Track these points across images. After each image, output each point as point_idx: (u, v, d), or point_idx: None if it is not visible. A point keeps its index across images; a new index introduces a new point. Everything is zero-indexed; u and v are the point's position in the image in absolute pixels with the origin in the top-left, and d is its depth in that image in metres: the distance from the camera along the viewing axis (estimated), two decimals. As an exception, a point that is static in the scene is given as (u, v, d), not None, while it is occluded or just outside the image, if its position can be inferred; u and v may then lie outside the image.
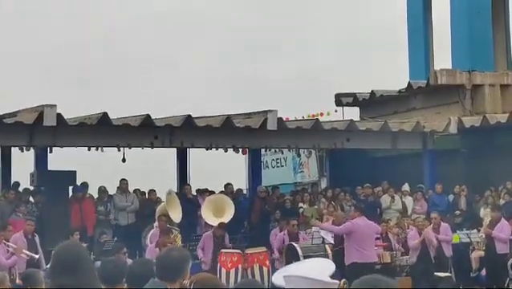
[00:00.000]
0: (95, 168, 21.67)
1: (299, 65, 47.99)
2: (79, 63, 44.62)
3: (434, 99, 23.76)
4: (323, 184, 25.39)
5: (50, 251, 11.45)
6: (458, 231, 18.15)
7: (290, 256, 16.03)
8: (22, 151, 18.41)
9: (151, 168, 25.36)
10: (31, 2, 49.43)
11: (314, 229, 17.25)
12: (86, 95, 40.73)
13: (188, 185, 20.54)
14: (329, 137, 20.92)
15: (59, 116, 16.87)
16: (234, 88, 45.63)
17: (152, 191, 20.16)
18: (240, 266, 16.26)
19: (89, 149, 18.43)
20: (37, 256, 14.58)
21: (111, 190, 19.74)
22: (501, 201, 20.09)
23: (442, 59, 26.45)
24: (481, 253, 17.82)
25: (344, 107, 26.19)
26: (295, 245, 16.42)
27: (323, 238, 16.59)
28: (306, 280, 5.49)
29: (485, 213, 19.45)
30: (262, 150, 22.69)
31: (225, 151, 20.06)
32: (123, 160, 18.60)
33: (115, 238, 17.90)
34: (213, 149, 19.86)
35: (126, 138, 18.33)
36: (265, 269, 16.41)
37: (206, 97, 41.17)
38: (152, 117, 18.03)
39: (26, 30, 47.34)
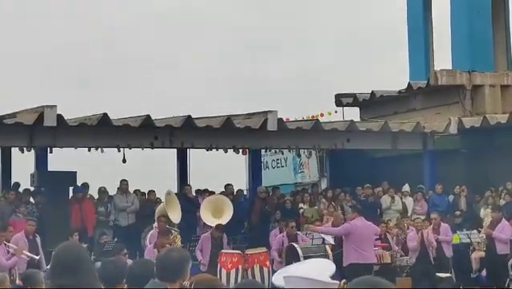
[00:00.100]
0: (96, 168, 21.67)
1: (299, 65, 48.04)
2: (79, 63, 44.68)
3: (434, 100, 23.76)
4: (324, 184, 25.39)
5: (51, 252, 11.45)
6: (458, 232, 18.15)
7: (291, 257, 16.02)
8: (23, 152, 18.41)
9: (151, 169, 25.36)
10: (31, 2, 49.48)
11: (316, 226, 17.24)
12: (86, 95, 40.78)
13: (189, 185, 20.54)
14: (329, 138, 20.93)
15: (59, 116, 16.88)
16: (234, 88, 45.67)
17: (151, 192, 20.16)
18: (240, 266, 16.25)
19: (89, 150, 18.44)
20: (37, 257, 14.57)
21: (112, 191, 19.74)
22: (502, 202, 20.09)
23: (442, 59, 26.48)
24: (482, 253, 17.81)
25: (344, 108, 26.21)
26: (295, 245, 16.41)
27: (323, 239, 16.58)
28: (306, 281, 5.49)
29: (486, 214, 19.45)
30: (263, 150, 22.69)
31: (225, 151, 20.06)
32: (124, 160, 18.61)
33: (116, 239, 17.90)
34: (214, 150, 19.86)
35: (126, 139, 18.33)
36: (265, 269, 16.41)
37: (206, 97, 41.21)
38: (153, 118, 18.03)
39: (26, 30, 47.38)
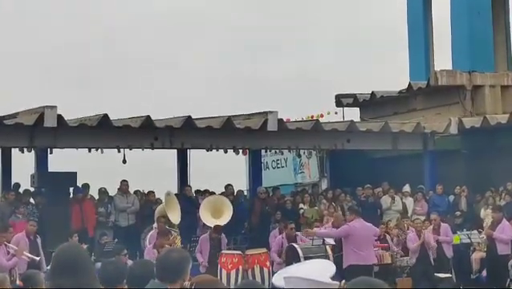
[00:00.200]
0: (96, 169, 21.67)
1: (299, 65, 48.06)
2: (79, 63, 44.70)
3: (434, 100, 23.77)
4: (324, 185, 25.39)
5: (51, 253, 11.45)
6: (459, 232, 18.15)
7: (291, 257, 16.02)
8: (23, 152, 18.41)
9: (151, 170, 25.37)
10: (31, 2, 49.50)
11: (314, 230, 17.25)
12: (86, 95, 40.82)
13: (189, 186, 20.54)
14: (329, 138, 20.93)
15: (60, 117, 16.89)
16: (234, 88, 45.68)
17: (150, 192, 20.15)
18: (240, 267, 16.24)
19: (89, 151, 18.44)
20: (37, 258, 14.56)
21: (112, 191, 19.74)
22: (502, 202, 20.08)
23: (442, 59, 26.49)
24: (482, 254, 17.81)
25: (344, 108, 26.22)
26: (296, 246, 16.41)
27: (324, 239, 16.57)
28: (306, 281, 5.49)
29: (486, 214, 19.45)
30: (263, 151, 22.69)
31: (226, 152, 20.06)
32: (124, 161, 18.61)
33: (116, 240, 17.91)
34: (214, 150, 19.86)
35: (126, 139, 18.34)
36: (265, 270, 16.40)
37: (206, 97, 41.22)
38: (153, 118, 18.04)
39: (26, 30, 47.41)
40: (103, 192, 19.66)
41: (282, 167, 28.34)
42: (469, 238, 17.83)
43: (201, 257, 16.65)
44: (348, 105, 26.17)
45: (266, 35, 47.06)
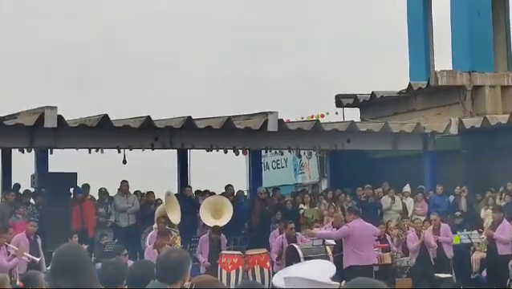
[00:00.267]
0: (96, 169, 21.68)
1: (299, 65, 48.09)
2: (79, 63, 44.72)
3: (434, 100, 23.77)
4: (324, 185, 25.39)
5: (51, 253, 11.46)
6: (459, 232, 18.16)
7: (291, 257, 16.02)
8: (23, 152, 18.42)
9: (151, 170, 25.38)
10: (31, 2, 49.52)
11: (314, 230, 17.26)
12: (86, 95, 40.83)
13: (189, 186, 20.55)
14: (329, 138, 20.93)
15: (60, 117, 16.89)
16: (234, 88, 45.70)
17: (150, 192, 20.14)
18: (241, 267, 16.24)
19: (90, 151, 18.44)
20: (38, 259, 14.55)
21: (112, 192, 19.74)
22: (502, 202, 20.08)
23: (442, 59, 26.50)
24: (482, 254, 17.81)
25: (345, 109, 26.21)
26: (296, 246, 16.42)
27: (324, 240, 16.57)
28: (306, 281, 5.49)
29: (486, 214, 19.46)
30: (263, 151, 22.69)
31: (226, 152, 20.06)
32: (124, 161, 18.61)
33: (116, 240, 17.92)
34: (214, 151, 19.86)
35: (126, 140, 18.34)
36: (265, 270, 16.40)
37: (206, 97, 41.24)
38: (153, 119, 18.04)
39: (26, 30, 47.43)
40: (103, 192, 19.67)
41: (283, 167, 28.35)
42: (470, 238, 17.84)
43: (202, 257, 16.67)
44: (348, 105, 26.17)
45: (266, 35, 47.13)
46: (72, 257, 4.87)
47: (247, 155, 21.74)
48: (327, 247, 16.39)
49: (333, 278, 5.62)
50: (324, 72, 43.90)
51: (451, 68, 24.26)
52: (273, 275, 14.66)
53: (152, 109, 29.75)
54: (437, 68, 24.71)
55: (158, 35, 48.48)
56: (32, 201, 18.46)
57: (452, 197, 21.45)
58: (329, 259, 15.05)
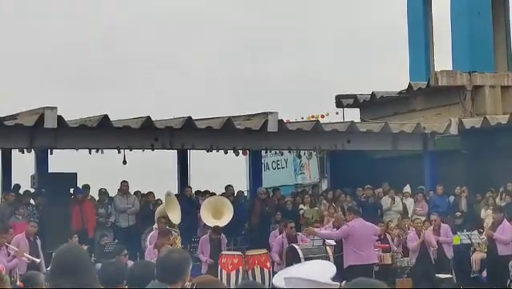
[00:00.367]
0: (96, 170, 21.68)
1: (299, 65, 48.11)
2: (79, 63, 44.73)
3: (435, 101, 23.77)
4: (324, 185, 25.40)
5: (51, 254, 11.46)
6: (459, 232, 18.15)
7: (291, 258, 16.02)
8: (23, 153, 18.41)
9: (151, 170, 25.38)
10: (31, 2, 49.55)
11: (315, 230, 17.26)
12: (86, 95, 40.83)
13: (189, 186, 20.54)
14: (330, 139, 20.92)
15: (60, 118, 16.89)
16: (234, 88, 45.73)
17: (150, 193, 20.14)
18: (241, 268, 16.25)
19: (90, 151, 18.43)
20: (38, 260, 14.53)
21: (112, 192, 19.74)
22: (502, 203, 20.08)
23: (442, 59, 26.51)
24: (482, 254, 17.81)
25: (345, 109, 26.21)
26: (296, 247, 16.42)
27: (324, 240, 16.57)
28: (306, 282, 5.48)
29: (486, 215, 19.45)
30: (263, 152, 22.69)
31: (226, 153, 20.06)
32: (124, 162, 18.60)
33: (116, 240, 17.91)
34: (214, 151, 19.85)
35: (127, 140, 18.34)
36: (266, 271, 16.41)
37: (206, 97, 41.27)
38: (153, 119, 18.04)
39: (26, 30, 47.46)
40: (103, 193, 19.67)
41: (283, 168, 28.35)
42: (470, 238, 17.84)
43: (203, 256, 16.68)
44: (348, 106, 26.16)
45: (266, 35, 47.16)
46: (72, 257, 4.87)
47: (247, 155, 21.74)
48: (328, 247, 16.39)
49: (333, 279, 5.62)
50: (324, 72, 43.98)
51: (451, 68, 24.27)
52: (273, 276, 14.67)
53: (152, 109, 29.79)
54: (437, 68, 24.72)
55: (158, 35, 48.56)
56: (32, 201, 18.45)
57: (452, 198, 21.45)
58: (329, 260, 15.05)
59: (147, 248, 15.71)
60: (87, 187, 19.32)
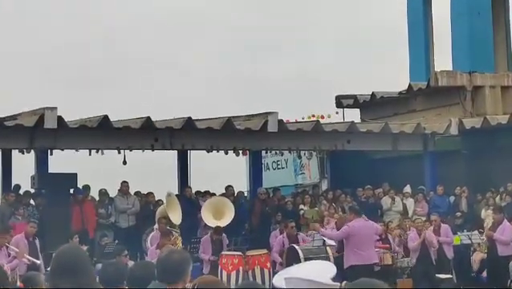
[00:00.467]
0: (96, 170, 21.68)
1: (299, 65, 48.13)
2: (79, 63, 44.74)
3: (435, 101, 23.77)
4: (324, 186, 25.39)
5: (51, 254, 11.45)
6: (459, 233, 18.14)
7: (292, 258, 16.02)
8: (23, 153, 18.41)
9: (152, 171, 25.38)
10: (31, 2, 49.55)
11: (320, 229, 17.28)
12: (86, 95, 40.85)
13: (189, 187, 20.54)
14: (330, 139, 20.92)
15: (60, 118, 16.89)
16: (234, 88, 45.74)
17: (150, 193, 20.13)
18: (241, 268, 16.25)
19: (90, 152, 18.42)
20: (38, 262, 14.51)
21: (112, 193, 19.74)
22: (502, 203, 20.07)
23: (442, 60, 26.51)
24: (483, 255, 17.81)
25: (345, 109, 26.21)
26: (296, 247, 16.42)
27: (324, 240, 16.57)
28: (306, 282, 5.49)
29: (487, 215, 19.45)
30: (263, 152, 22.68)
31: (226, 153, 20.05)
32: (124, 162, 18.59)
33: (116, 241, 17.91)
34: (214, 151, 19.85)
35: (127, 141, 18.34)
36: (266, 271, 16.40)
37: (206, 97, 41.28)
38: (153, 119, 18.03)
39: (26, 30, 47.46)
40: (103, 193, 19.66)
41: (283, 168, 28.35)
42: (470, 238, 17.83)
43: (205, 255, 16.68)
44: (348, 106, 26.16)
45: (266, 35, 47.16)
46: (72, 258, 4.88)
47: (247, 156, 21.74)
48: (328, 248, 16.39)
49: (334, 279, 5.63)
50: (324, 72, 43.99)
51: (451, 68, 24.27)
52: (273, 276, 14.67)
53: (152, 109, 29.79)
54: (437, 68, 24.72)
55: (158, 35, 48.57)
56: (32, 202, 18.45)
57: (452, 198, 21.45)
58: (329, 260, 15.04)
59: (149, 249, 15.71)
60: (87, 187, 19.31)
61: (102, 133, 17.96)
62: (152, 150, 19.03)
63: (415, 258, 16.67)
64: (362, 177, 22.09)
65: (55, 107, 16.87)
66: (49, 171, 18.23)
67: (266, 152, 25.04)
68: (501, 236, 16.49)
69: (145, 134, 18.41)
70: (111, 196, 19.66)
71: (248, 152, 21.11)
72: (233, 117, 19.28)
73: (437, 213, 18.56)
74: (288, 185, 26.77)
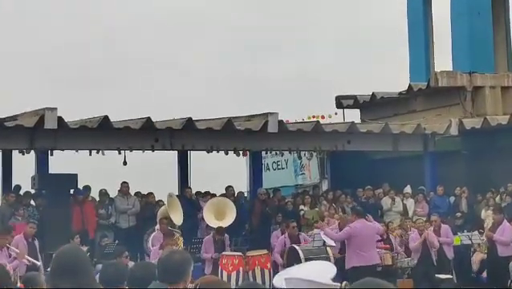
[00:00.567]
0: (96, 171, 21.68)
1: (299, 65, 48.13)
2: (79, 63, 44.75)
3: (435, 101, 23.77)
4: (324, 186, 25.39)
5: (51, 255, 11.45)
6: (459, 233, 18.15)
7: (292, 259, 16.02)
8: (23, 154, 18.41)
9: (152, 171, 25.39)
10: (31, 2, 49.56)
11: (315, 231, 17.27)
12: (86, 95, 40.85)
13: (189, 187, 20.54)
14: (330, 139, 20.92)
15: (60, 119, 16.89)
16: (234, 88, 45.75)
17: (150, 194, 20.14)
18: (241, 268, 16.25)
19: (90, 152, 18.43)
20: (39, 263, 14.50)
21: (113, 193, 19.74)
22: (503, 204, 20.07)
23: (442, 60, 26.51)
24: (483, 255, 17.81)
25: (345, 110, 26.21)
26: (296, 247, 16.41)
27: (324, 241, 16.57)
28: (307, 282, 5.49)
29: (487, 215, 19.45)
30: (263, 152, 22.69)
31: (226, 153, 20.05)
32: (125, 163, 18.60)
33: (117, 241, 17.91)
34: (214, 152, 19.85)
35: (127, 141, 18.34)
36: (266, 271, 16.41)
37: (206, 97, 41.29)
38: (153, 120, 18.04)
39: (26, 30, 47.47)
40: (103, 193, 19.67)
41: (283, 168, 28.34)
42: (470, 239, 17.83)
43: (207, 254, 16.67)
44: (349, 106, 26.17)
45: (266, 35, 47.17)
46: (72, 258, 4.89)
47: (247, 156, 21.74)
48: (328, 248, 16.39)
49: (334, 279, 5.63)
50: (324, 72, 43.99)
51: (451, 68, 24.27)
52: (273, 276, 14.66)
53: (152, 109, 29.78)
54: (437, 69, 24.72)
55: (158, 35, 48.57)
56: (32, 202, 18.46)
57: (452, 198, 21.46)
58: (330, 260, 15.04)
59: (152, 250, 15.69)
60: (87, 188, 19.32)
61: (102, 134, 17.96)
62: (153, 150, 19.04)
63: (416, 259, 16.66)
64: (362, 178, 22.10)
65: (55, 108, 16.87)
66: (49, 171, 18.23)
67: (266, 153, 25.03)
68: (501, 237, 16.49)
69: (145, 134, 18.41)
70: (111, 196, 19.67)
71: (248, 152, 21.11)
72: (234, 118, 19.28)
73: (437, 213, 18.56)
74: (288, 185, 26.77)
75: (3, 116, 17.24)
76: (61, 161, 18.53)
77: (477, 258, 18.10)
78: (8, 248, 14.48)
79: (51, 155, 18.10)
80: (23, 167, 19.53)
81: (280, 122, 19.27)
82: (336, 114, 26.33)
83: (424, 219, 18.99)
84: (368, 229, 15.01)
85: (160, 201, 19.41)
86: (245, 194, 22.16)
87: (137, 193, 20.09)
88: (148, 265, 6.52)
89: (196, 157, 21.16)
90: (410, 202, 21.38)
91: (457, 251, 17.63)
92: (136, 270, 6.21)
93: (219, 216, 17.52)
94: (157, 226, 16.39)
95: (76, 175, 18.41)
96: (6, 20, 44.09)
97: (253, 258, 16.55)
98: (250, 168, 21.40)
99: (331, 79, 40.12)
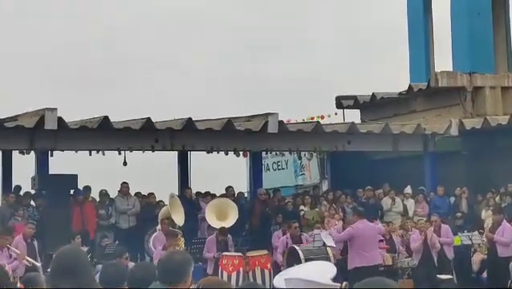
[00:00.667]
0: (96, 171, 21.68)
1: (299, 65, 48.08)
2: (79, 63, 44.75)
3: (435, 102, 23.77)
4: (324, 186, 25.39)
5: (51, 255, 11.45)
6: (460, 233, 18.14)
7: (292, 259, 16.01)
8: (23, 154, 18.41)
9: (152, 172, 25.39)
10: (31, 2, 49.56)
11: (315, 231, 17.27)
12: (86, 95, 40.86)
13: (190, 188, 20.54)
14: (330, 140, 20.92)
15: (60, 119, 16.89)
16: (234, 88, 45.74)
17: (150, 194, 20.14)
18: (241, 269, 16.25)
19: (90, 153, 18.43)
20: (39, 264, 14.49)
21: (113, 193, 19.74)
22: (503, 204, 20.07)
23: (443, 60, 26.51)
24: (483, 256, 17.80)
25: (345, 110, 26.21)
26: (297, 248, 16.41)
27: (324, 241, 16.57)
28: (307, 282, 5.50)
29: (487, 215, 19.45)
30: (263, 153, 22.68)
31: (226, 154, 20.05)
32: (125, 163, 18.59)
33: (117, 242, 17.90)
34: (214, 152, 19.85)
35: (127, 141, 18.34)
36: (266, 272, 16.40)
37: (206, 97, 41.30)
38: (153, 120, 18.04)
39: (26, 30, 47.47)
40: (103, 194, 19.66)
41: (283, 169, 28.34)
42: (470, 239, 17.83)
43: (210, 254, 16.68)
44: (349, 107, 26.16)
45: (266, 35, 47.16)
46: (72, 258, 4.90)
47: (248, 156, 21.74)
48: (328, 249, 16.39)
49: (335, 280, 5.63)
50: (324, 72, 43.94)
51: (451, 69, 24.26)
52: (274, 277, 14.66)
53: (152, 109, 29.78)
54: (437, 69, 24.72)
55: (158, 35, 48.58)
56: (32, 203, 18.45)
57: (452, 198, 21.46)
58: (330, 261, 15.04)
59: (154, 251, 15.66)
60: (87, 188, 19.31)
61: (102, 134, 17.96)
62: (153, 151, 19.04)
63: (416, 259, 16.66)
64: (362, 178, 22.09)
65: (55, 108, 16.88)
66: (49, 172, 18.23)
67: (267, 153, 25.05)
68: (501, 237, 16.47)
69: (145, 135, 18.41)
70: (111, 197, 19.67)
71: (248, 152, 21.11)
72: (234, 118, 19.28)
73: (438, 213, 18.54)
74: (288, 185, 26.77)
75: (3, 117, 17.25)
76: (61, 162, 18.53)
77: (477, 258, 18.09)
78: (9, 249, 14.47)
79: (51, 155, 18.10)
80: (23, 167, 19.53)
81: (280, 122, 19.26)
82: (336, 114, 26.34)
83: (425, 219, 18.99)
84: (370, 230, 15.02)
85: (161, 201, 19.41)
86: (246, 195, 22.16)
87: (137, 194, 20.09)
88: (148, 265, 6.52)
89: (196, 158, 21.17)
90: (410, 203, 21.38)
91: (458, 251, 17.62)
92: (136, 271, 6.20)
93: (221, 216, 17.52)
94: (158, 227, 16.39)
95: (76, 175, 18.41)
96: (6, 20, 44.14)
97: (253, 258, 16.55)
98: (250, 168, 21.40)
99: (331, 79, 40.12)
